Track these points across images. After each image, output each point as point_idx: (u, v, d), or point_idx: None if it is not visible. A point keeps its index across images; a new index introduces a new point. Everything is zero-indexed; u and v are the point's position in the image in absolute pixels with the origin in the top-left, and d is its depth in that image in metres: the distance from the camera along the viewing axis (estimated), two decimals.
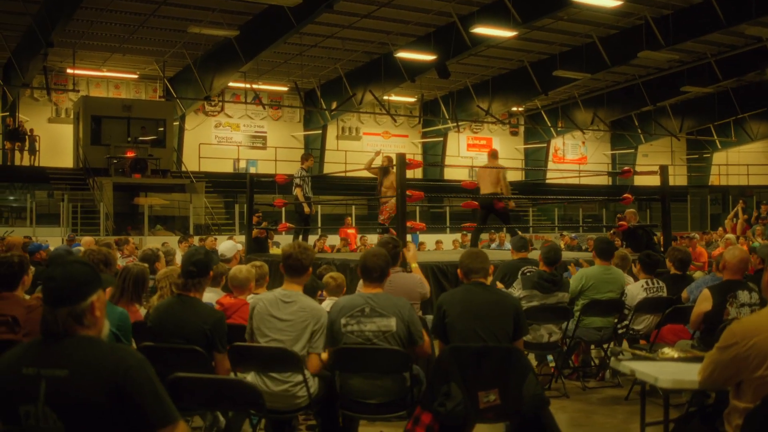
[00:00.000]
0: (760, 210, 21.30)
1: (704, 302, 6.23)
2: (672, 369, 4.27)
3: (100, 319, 2.84)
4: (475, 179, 14.97)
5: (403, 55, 24.46)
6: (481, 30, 21.15)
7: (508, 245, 20.53)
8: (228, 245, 8.57)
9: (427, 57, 24.06)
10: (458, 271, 5.31)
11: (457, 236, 21.65)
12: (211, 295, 6.44)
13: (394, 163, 11.26)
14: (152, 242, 21.35)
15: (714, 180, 38.70)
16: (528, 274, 8.09)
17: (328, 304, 6.65)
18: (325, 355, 4.92)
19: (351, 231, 21.10)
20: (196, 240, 18.55)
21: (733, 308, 6.13)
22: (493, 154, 13.86)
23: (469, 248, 5.48)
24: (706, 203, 33.97)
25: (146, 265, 6.89)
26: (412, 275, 6.76)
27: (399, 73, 26.06)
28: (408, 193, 10.93)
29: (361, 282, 5.31)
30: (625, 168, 14.10)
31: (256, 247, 14.61)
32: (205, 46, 24.60)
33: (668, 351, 4.64)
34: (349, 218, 22.89)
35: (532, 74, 28.05)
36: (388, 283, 5.27)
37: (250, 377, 4.88)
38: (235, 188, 28.47)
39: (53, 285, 2.76)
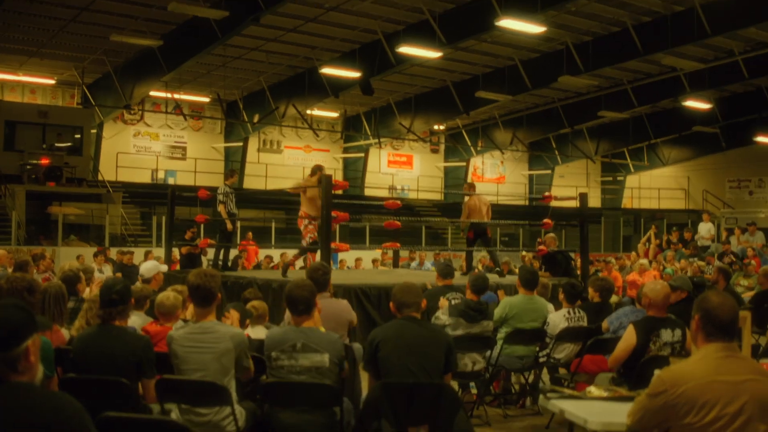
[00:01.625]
0: (671, 235, 21.93)
1: (629, 339, 6.29)
2: (600, 410, 4.34)
3: (34, 365, 2.74)
4: (395, 196, 15.20)
5: (328, 71, 24.45)
6: (407, 50, 21.30)
7: (428, 264, 20.77)
8: (148, 266, 8.42)
9: (352, 74, 24.10)
10: (390, 304, 5.31)
11: (376, 254, 21.68)
12: (135, 319, 6.31)
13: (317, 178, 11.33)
14: (66, 253, 20.85)
15: (627, 203, 39.74)
16: (454, 302, 8.18)
17: (251, 331, 6.60)
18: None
19: (251, 246, 20.98)
20: (113, 252, 18.18)
21: (655, 346, 6.25)
22: (473, 186, 14.78)
23: (403, 282, 5.45)
24: (619, 225, 34.78)
25: (62, 284, 6.73)
26: (339, 301, 6.75)
27: (323, 88, 26.04)
28: (333, 214, 10.94)
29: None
30: (546, 194, 14.34)
31: (189, 263, 14.46)
32: (127, 53, 24.17)
33: (594, 390, 4.72)
34: (251, 233, 22.71)
35: (455, 94, 28.37)
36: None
37: (176, 409, 4.80)
38: (153, 199, 28.02)
39: None
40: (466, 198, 14.07)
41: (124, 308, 4.97)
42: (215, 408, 4.71)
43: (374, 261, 20.28)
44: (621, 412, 3.98)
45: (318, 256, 11.26)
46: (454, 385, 7.66)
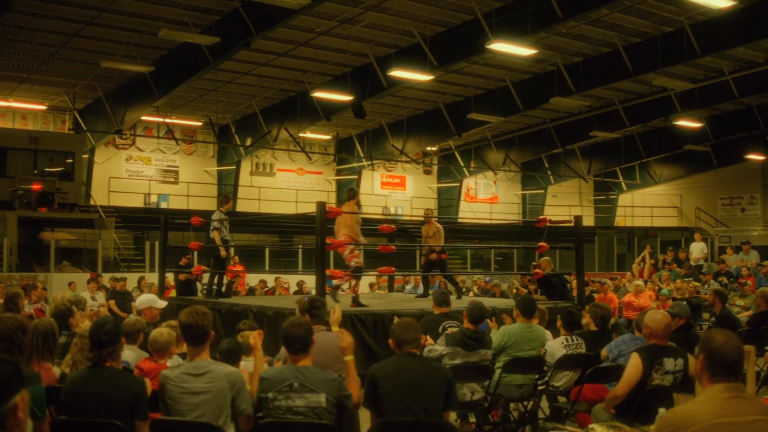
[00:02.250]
0: (666, 255, 21.92)
1: (636, 368, 6.24)
2: None
3: (23, 421, 2.65)
4: (389, 217, 15.20)
5: (320, 95, 24.47)
6: (398, 73, 21.33)
7: (422, 288, 20.65)
8: (143, 299, 8.33)
9: (344, 97, 24.13)
10: (389, 341, 5.26)
11: (372, 278, 21.57)
12: (128, 353, 6.23)
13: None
14: (58, 279, 20.74)
15: (620, 221, 39.76)
16: (450, 331, 8.13)
17: (245, 365, 6.51)
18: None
19: (238, 269, 20.78)
20: (106, 278, 18.06)
21: (658, 375, 6.21)
22: (429, 212, 14.93)
23: (402, 318, 5.39)
24: (612, 244, 34.79)
25: (53, 320, 6.65)
26: (336, 334, 6.67)
27: (315, 111, 26.06)
28: (328, 241, 10.89)
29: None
30: (541, 217, 14.32)
31: (185, 290, 14.39)
32: (118, 79, 24.13)
33: (598, 427, 4.66)
34: (236, 257, 22.46)
35: (447, 115, 28.43)
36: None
37: None
38: (146, 223, 27.92)
39: None
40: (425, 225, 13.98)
41: (114, 348, 4.88)
42: None
43: (371, 285, 20.17)
44: None
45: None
46: (453, 415, 7.61)
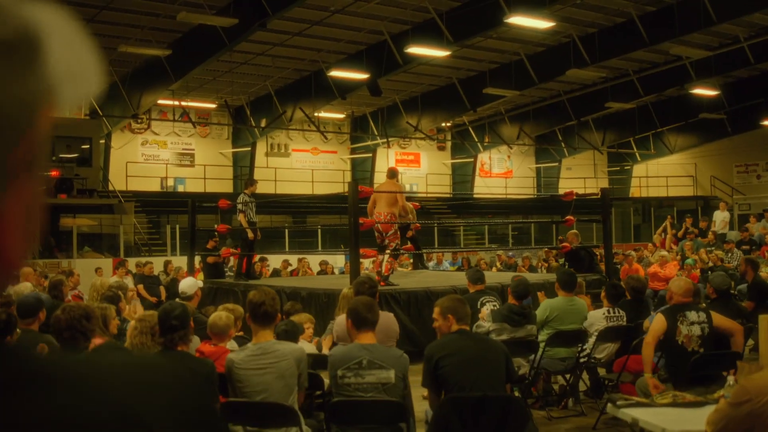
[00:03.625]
0: (685, 223, 21.91)
1: (658, 323, 6.50)
2: (675, 418, 4.35)
3: None
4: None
5: (336, 73, 24.45)
6: (414, 50, 21.30)
7: (446, 264, 20.77)
8: (189, 282, 8.41)
9: (359, 75, 24.09)
10: (449, 316, 5.30)
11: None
12: None
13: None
14: (82, 265, 20.84)
15: (635, 192, 39.68)
16: (488, 306, 8.23)
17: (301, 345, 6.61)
18: None
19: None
20: (132, 264, 18.17)
21: (684, 326, 6.39)
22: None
23: (451, 295, 5.45)
24: (628, 215, 34.77)
25: (106, 304, 6.76)
26: (387, 314, 6.76)
27: (329, 90, 26.02)
28: (360, 221, 10.96)
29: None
30: (568, 190, 14.35)
31: (214, 273, 14.49)
32: (133, 63, 24.15)
33: (660, 398, 4.73)
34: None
35: (461, 91, 28.37)
36: None
37: (241, 431, 4.81)
38: (164, 207, 28.04)
39: None
40: None
41: (185, 333, 4.96)
42: (282, 429, 4.72)
43: (386, 264, 20.24)
44: (696, 419, 3.99)
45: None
46: None
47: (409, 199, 20.13)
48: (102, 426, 0.62)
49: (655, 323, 6.62)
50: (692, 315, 6.51)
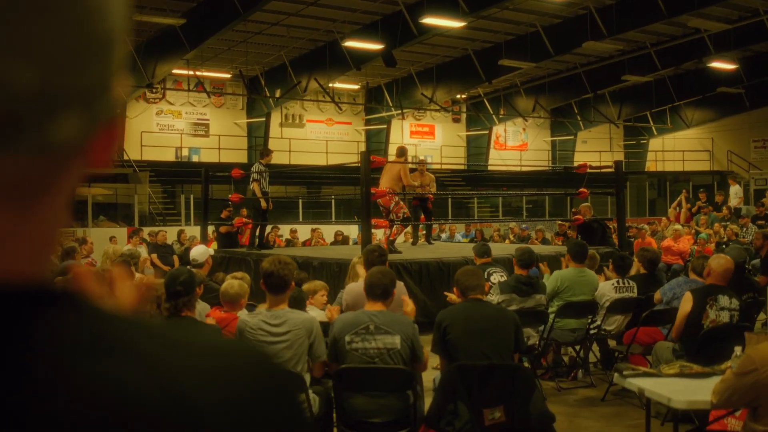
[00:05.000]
0: (699, 198, 21.82)
1: (686, 303, 6.40)
2: (682, 388, 4.35)
3: None
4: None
5: (350, 44, 24.35)
6: (429, 20, 21.17)
7: (458, 236, 20.77)
8: (200, 250, 8.43)
9: (374, 46, 23.98)
10: (454, 289, 5.34)
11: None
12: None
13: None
14: (97, 234, 20.96)
15: (651, 166, 39.45)
16: (495, 276, 8.25)
17: (309, 311, 6.63)
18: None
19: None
20: (145, 233, 18.25)
21: (713, 311, 6.29)
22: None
23: (465, 267, 5.46)
24: (644, 189, 34.60)
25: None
26: (399, 283, 6.76)
27: (344, 61, 25.92)
28: (372, 191, 10.96)
29: None
30: (581, 163, 14.29)
31: (227, 243, 14.56)
32: (148, 32, 24.11)
33: (667, 367, 4.73)
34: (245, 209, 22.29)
35: (476, 63, 28.21)
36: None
37: None
38: (178, 177, 28.10)
39: None
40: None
41: (190, 298, 4.97)
42: None
43: (406, 234, 20.27)
44: (703, 390, 3.99)
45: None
46: None
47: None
48: (146, 406, 0.57)
49: (682, 305, 6.51)
50: (724, 300, 6.37)
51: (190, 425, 0.58)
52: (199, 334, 0.66)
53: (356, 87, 33.10)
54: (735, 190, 22.11)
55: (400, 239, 14.21)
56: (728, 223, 18.35)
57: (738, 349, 4.42)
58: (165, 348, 0.62)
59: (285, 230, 20.54)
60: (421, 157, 17.45)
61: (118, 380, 0.57)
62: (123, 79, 0.69)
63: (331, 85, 29.59)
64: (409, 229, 13.85)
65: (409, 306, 5.45)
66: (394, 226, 12.34)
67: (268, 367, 0.67)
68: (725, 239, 16.49)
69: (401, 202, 11.89)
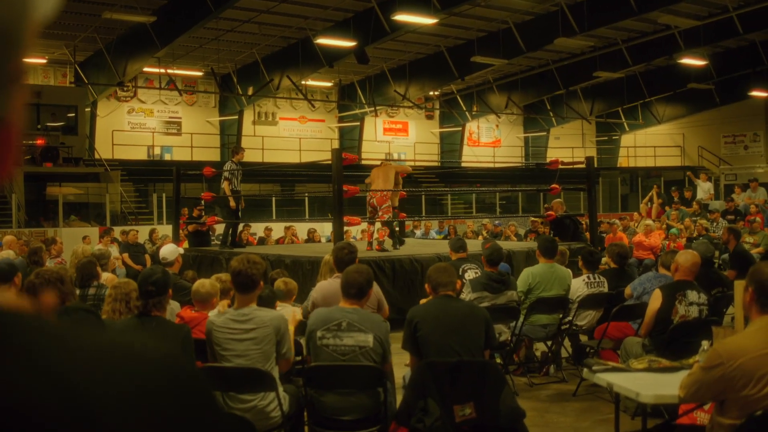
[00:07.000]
0: (671, 194, 21.99)
1: (655, 300, 6.44)
2: (650, 382, 4.38)
3: None
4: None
5: (323, 41, 24.29)
6: (402, 17, 21.17)
7: (432, 233, 20.79)
8: (170, 248, 8.37)
9: (346, 43, 23.95)
10: (426, 285, 5.33)
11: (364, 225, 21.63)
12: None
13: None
14: (68, 234, 20.75)
15: (623, 162, 39.73)
16: (469, 273, 8.26)
17: (279, 310, 6.60)
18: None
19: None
20: (117, 232, 18.11)
21: (682, 306, 6.33)
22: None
23: (437, 264, 5.46)
24: (616, 184, 34.82)
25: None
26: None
27: (317, 58, 25.87)
28: (344, 188, 10.93)
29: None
30: (552, 159, 14.35)
31: (197, 242, 14.47)
32: (119, 30, 23.92)
33: (636, 362, 4.75)
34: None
35: (449, 59, 28.26)
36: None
37: (219, 396, 4.81)
38: (151, 176, 27.91)
39: None
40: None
41: (161, 299, 4.94)
42: (260, 394, 4.74)
43: (380, 231, 20.25)
44: (671, 384, 4.01)
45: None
46: None
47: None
48: (42, 406, 0.55)
49: (651, 302, 6.55)
50: (692, 295, 6.41)
51: (85, 423, 0.57)
52: (104, 334, 0.65)
53: (329, 84, 33.03)
54: (707, 186, 22.30)
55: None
56: (698, 218, 18.51)
57: (706, 344, 4.45)
58: (62, 349, 0.60)
59: (259, 228, 20.47)
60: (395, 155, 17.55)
61: (7, 382, 0.56)
62: (23, 80, 0.65)
63: (303, 82, 29.53)
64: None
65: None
66: (380, 228, 12.45)
67: (173, 366, 0.66)
68: (695, 234, 16.62)
69: (391, 207, 11.99)
